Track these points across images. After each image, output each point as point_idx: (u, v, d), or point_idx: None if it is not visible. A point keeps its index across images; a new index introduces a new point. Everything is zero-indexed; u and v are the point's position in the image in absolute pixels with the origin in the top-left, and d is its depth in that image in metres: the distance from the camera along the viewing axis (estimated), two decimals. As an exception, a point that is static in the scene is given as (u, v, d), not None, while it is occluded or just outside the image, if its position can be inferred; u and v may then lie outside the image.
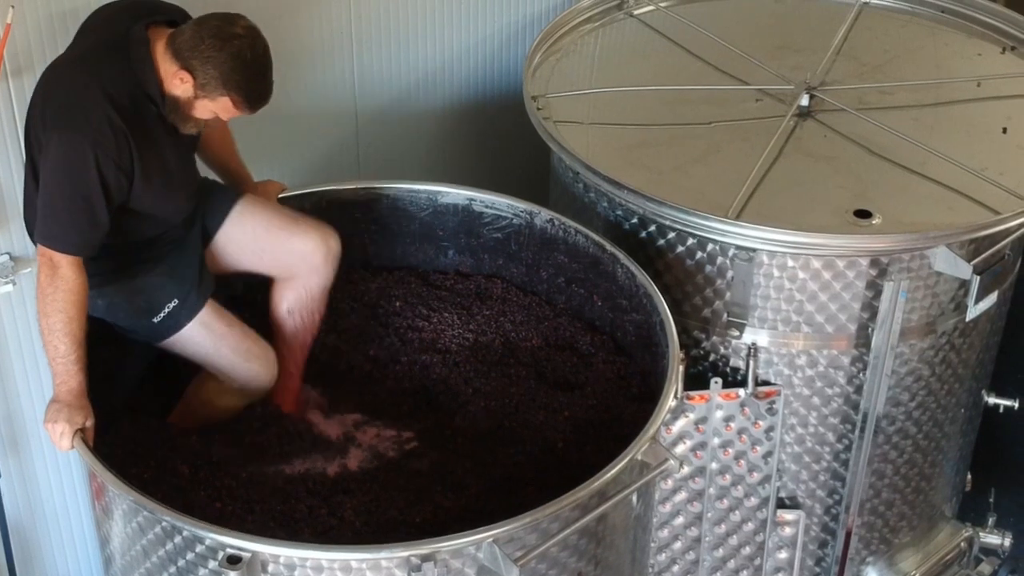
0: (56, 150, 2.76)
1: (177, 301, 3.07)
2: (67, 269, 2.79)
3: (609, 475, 2.76)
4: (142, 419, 3.19)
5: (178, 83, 2.83)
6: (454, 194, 3.65)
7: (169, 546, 2.69)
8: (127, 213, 2.92)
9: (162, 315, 3.06)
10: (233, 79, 2.81)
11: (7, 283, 3.29)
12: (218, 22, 2.82)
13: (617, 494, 2.82)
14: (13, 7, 2.99)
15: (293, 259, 3.26)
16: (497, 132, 4.45)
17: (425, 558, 2.58)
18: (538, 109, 3.74)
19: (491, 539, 2.61)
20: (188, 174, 3.09)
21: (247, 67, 2.82)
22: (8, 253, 3.30)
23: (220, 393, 3.22)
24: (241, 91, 2.83)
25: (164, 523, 2.67)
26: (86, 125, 2.76)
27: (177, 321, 3.08)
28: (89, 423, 2.83)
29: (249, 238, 3.22)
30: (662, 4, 4.38)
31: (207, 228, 3.20)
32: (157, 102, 2.87)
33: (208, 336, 3.12)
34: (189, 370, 3.29)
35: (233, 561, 2.54)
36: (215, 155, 3.32)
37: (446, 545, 2.60)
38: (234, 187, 3.32)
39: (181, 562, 2.68)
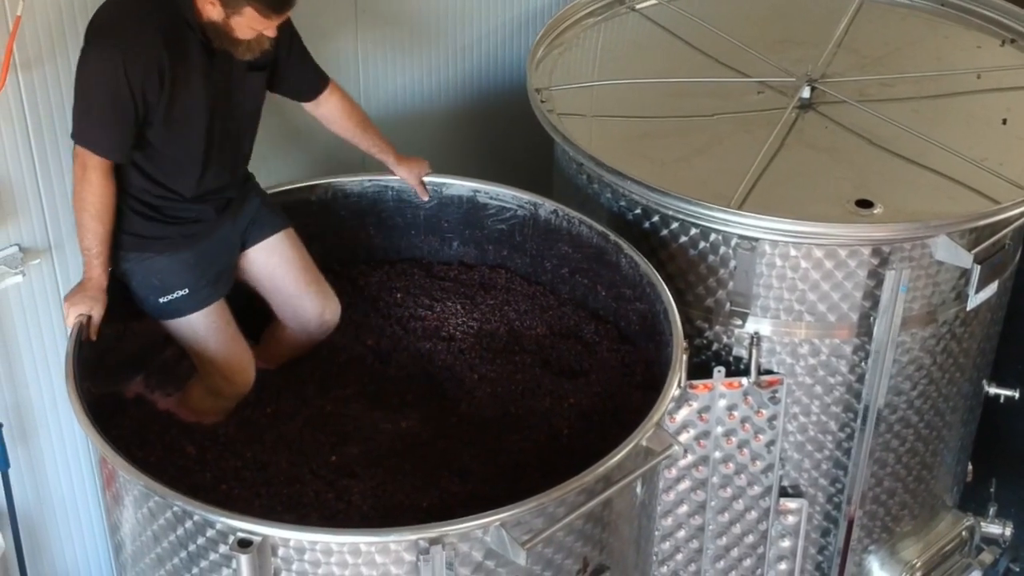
0: (90, 57, 2.90)
1: (188, 291, 3.15)
2: (94, 172, 2.95)
3: (614, 460, 2.78)
4: (148, 401, 3.25)
5: (209, 7, 2.91)
6: (459, 186, 3.68)
7: (180, 531, 2.72)
8: (152, 149, 3.01)
9: (170, 298, 3.14)
10: None
11: (16, 274, 3.31)
12: None
13: (622, 479, 2.84)
14: (23, -1, 3.02)
15: (293, 313, 3.39)
16: (501, 124, 4.47)
17: (433, 541, 2.61)
18: (542, 102, 3.78)
19: (498, 523, 2.63)
20: (220, 116, 3.10)
21: None
22: (17, 244, 3.32)
23: (202, 395, 3.29)
24: None
25: (175, 508, 2.69)
26: (119, 37, 2.88)
27: (180, 309, 3.16)
28: (95, 313, 3.02)
29: (268, 272, 3.34)
30: (664, -2, 4.42)
31: (245, 239, 3.29)
32: (195, 28, 2.94)
33: (202, 332, 3.20)
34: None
35: (244, 545, 2.57)
36: (343, 128, 3.43)
37: (454, 528, 2.62)
38: (379, 159, 3.51)
39: (192, 547, 2.71)
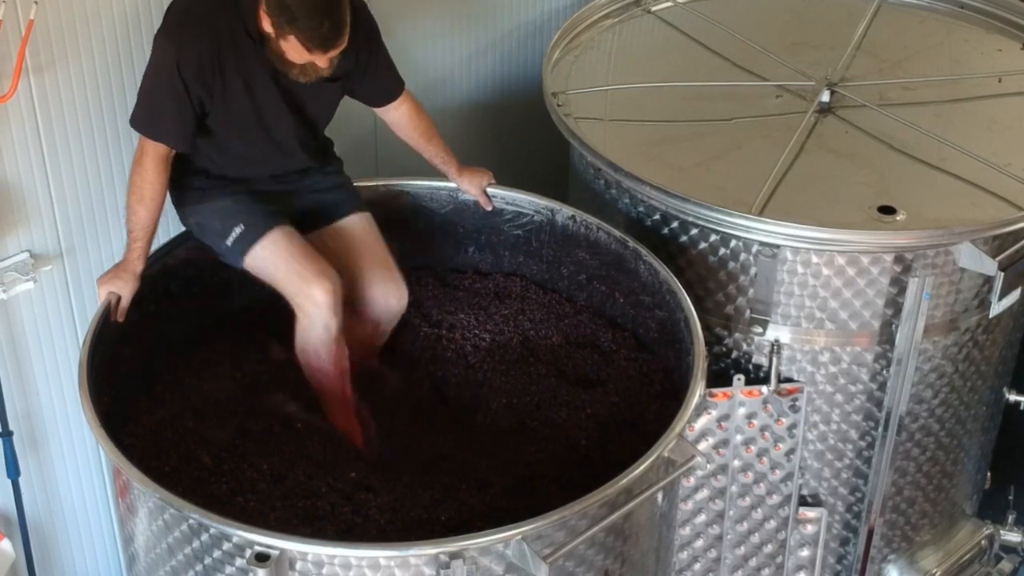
0: (153, 49, 3.02)
1: (243, 227, 3.18)
2: (147, 158, 3.05)
3: (636, 472, 2.75)
4: (163, 410, 3.20)
5: (265, 22, 2.93)
6: (475, 191, 3.64)
7: (195, 544, 2.68)
8: (212, 142, 3.11)
9: (231, 238, 3.19)
10: (294, 18, 2.87)
11: (28, 280, 3.28)
12: None
13: (644, 491, 2.81)
14: (36, 3, 2.97)
15: (360, 295, 3.39)
16: (516, 128, 4.44)
17: (454, 555, 2.57)
18: (558, 105, 3.74)
19: (520, 536, 2.60)
20: (285, 124, 3.16)
21: (305, 5, 2.85)
22: (28, 251, 3.29)
23: (303, 329, 3.24)
24: (302, 31, 2.89)
25: (191, 520, 2.66)
26: (178, 34, 2.98)
27: (242, 246, 3.18)
28: (125, 295, 3.10)
29: (340, 251, 3.35)
30: (679, 0, 4.37)
31: (319, 216, 3.33)
32: (255, 38, 2.97)
33: (269, 259, 3.19)
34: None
35: (261, 559, 2.53)
36: (408, 135, 3.44)
37: (475, 543, 2.59)
38: (441, 170, 3.51)
39: (208, 560, 2.68)
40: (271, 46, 2.97)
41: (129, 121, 3.06)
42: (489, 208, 3.60)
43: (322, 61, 2.96)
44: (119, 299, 3.10)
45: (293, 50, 2.94)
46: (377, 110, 3.40)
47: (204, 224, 3.22)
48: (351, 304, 3.39)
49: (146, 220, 3.09)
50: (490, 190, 3.59)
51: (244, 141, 3.16)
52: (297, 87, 3.08)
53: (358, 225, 3.39)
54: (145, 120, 3.03)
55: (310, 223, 3.35)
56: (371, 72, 3.25)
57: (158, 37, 3.01)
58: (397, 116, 3.40)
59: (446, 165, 3.52)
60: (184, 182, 3.18)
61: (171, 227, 3.51)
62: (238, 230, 3.18)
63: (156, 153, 3.04)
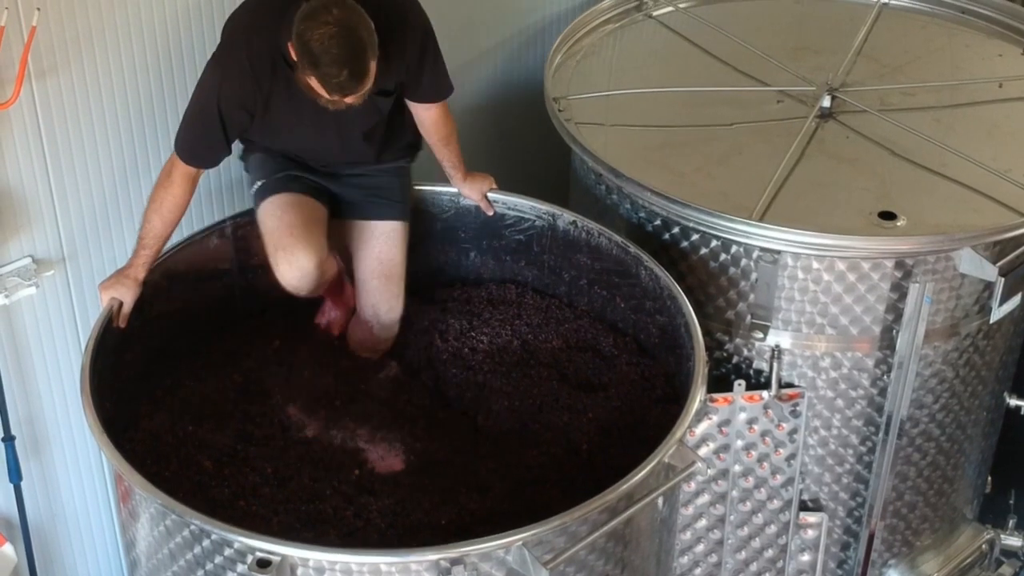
0: (204, 70, 3.12)
1: (263, 181, 3.31)
2: (177, 173, 3.13)
3: (637, 478, 2.75)
4: (164, 414, 3.21)
5: (291, 52, 2.96)
6: (476, 195, 3.64)
7: (197, 549, 2.68)
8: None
9: (254, 188, 3.34)
10: (315, 63, 2.89)
11: (30, 286, 3.28)
12: (322, 1, 2.88)
13: (644, 497, 2.81)
14: (39, 10, 2.98)
15: (358, 297, 3.49)
16: (517, 133, 4.44)
17: (455, 561, 2.57)
18: (559, 111, 3.74)
19: (520, 542, 2.60)
20: (329, 134, 3.24)
21: (327, 53, 2.87)
22: (31, 256, 3.29)
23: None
24: (321, 77, 2.92)
25: (193, 526, 2.66)
26: (223, 62, 3.07)
27: (257, 199, 3.32)
28: (127, 299, 3.14)
29: (355, 250, 3.46)
30: (681, 5, 4.37)
31: (355, 210, 3.42)
32: (291, 64, 3.00)
33: (266, 216, 3.29)
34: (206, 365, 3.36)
35: (263, 565, 2.53)
36: (429, 135, 3.45)
37: (475, 548, 2.59)
38: (448, 174, 3.55)
39: (209, 565, 2.68)
40: (299, 76, 2.99)
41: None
42: (490, 213, 3.61)
43: (352, 99, 2.98)
44: (121, 305, 3.12)
45: (316, 87, 2.96)
46: (410, 104, 3.39)
47: (248, 167, 3.38)
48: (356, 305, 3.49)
49: (159, 231, 3.15)
50: (491, 195, 3.59)
51: (288, 143, 3.29)
52: (346, 108, 3.09)
53: (380, 232, 3.43)
54: (181, 141, 3.12)
55: (344, 210, 3.43)
56: (421, 76, 3.27)
57: (210, 61, 3.10)
58: (426, 115, 3.39)
59: (453, 170, 3.54)
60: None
61: (173, 233, 3.52)
62: (260, 183, 3.31)
63: (186, 171, 3.13)
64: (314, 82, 2.94)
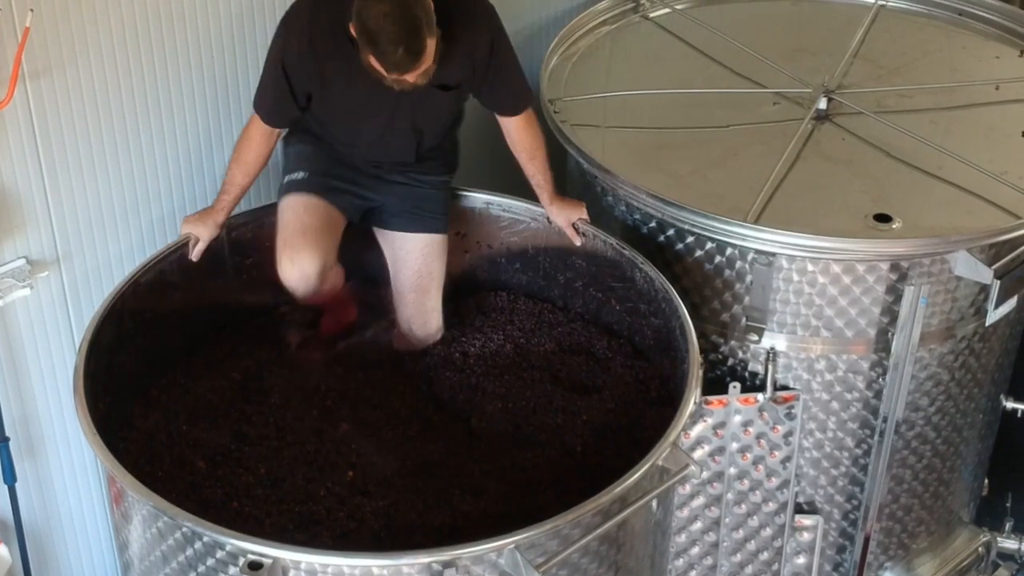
0: (275, 32, 3.24)
1: (291, 176, 3.37)
2: (253, 128, 3.29)
3: (630, 481, 2.75)
4: (158, 414, 3.22)
5: (352, 29, 2.99)
6: (472, 197, 3.64)
7: (189, 551, 2.68)
8: (315, 118, 3.32)
9: (288, 178, 3.39)
10: (372, 40, 2.93)
11: (24, 287, 3.28)
12: None
13: (638, 500, 2.81)
14: (32, 11, 2.98)
15: (395, 309, 3.52)
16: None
17: (447, 564, 2.57)
18: (555, 112, 3.74)
19: (513, 545, 2.59)
20: (379, 123, 3.27)
21: (383, 31, 2.91)
22: (25, 257, 3.28)
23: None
24: (378, 55, 2.96)
25: (184, 528, 2.66)
26: (289, 26, 3.18)
27: (286, 189, 3.38)
28: (203, 236, 3.32)
29: (392, 262, 3.47)
30: (677, 7, 4.37)
31: (394, 221, 3.44)
32: (354, 42, 3.02)
33: (281, 215, 3.35)
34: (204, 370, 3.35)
35: (255, 567, 2.53)
36: (512, 146, 3.45)
37: (468, 552, 2.58)
38: (534, 191, 3.49)
39: (201, 568, 2.67)
40: (362, 56, 3.02)
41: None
42: (577, 243, 3.48)
43: (412, 77, 3.00)
44: (197, 241, 3.31)
45: (377, 67, 3.00)
46: (495, 114, 3.41)
47: (287, 154, 3.42)
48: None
49: (238, 181, 3.31)
50: (485, 196, 3.59)
51: (342, 127, 3.32)
52: (405, 97, 3.13)
53: (420, 245, 3.43)
54: (258, 99, 3.27)
55: (385, 220, 3.46)
56: (491, 82, 3.28)
57: (279, 22, 3.21)
58: (509, 126, 3.41)
59: (540, 189, 3.47)
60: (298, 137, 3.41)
61: (168, 234, 3.52)
62: (295, 175, 3.36)
63: (263, 128, 3.27)
64: (373, 61, 2.97)
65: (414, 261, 3.45)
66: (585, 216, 3.47)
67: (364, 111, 3.25)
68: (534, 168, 3.44)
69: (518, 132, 3.40)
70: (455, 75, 3.21)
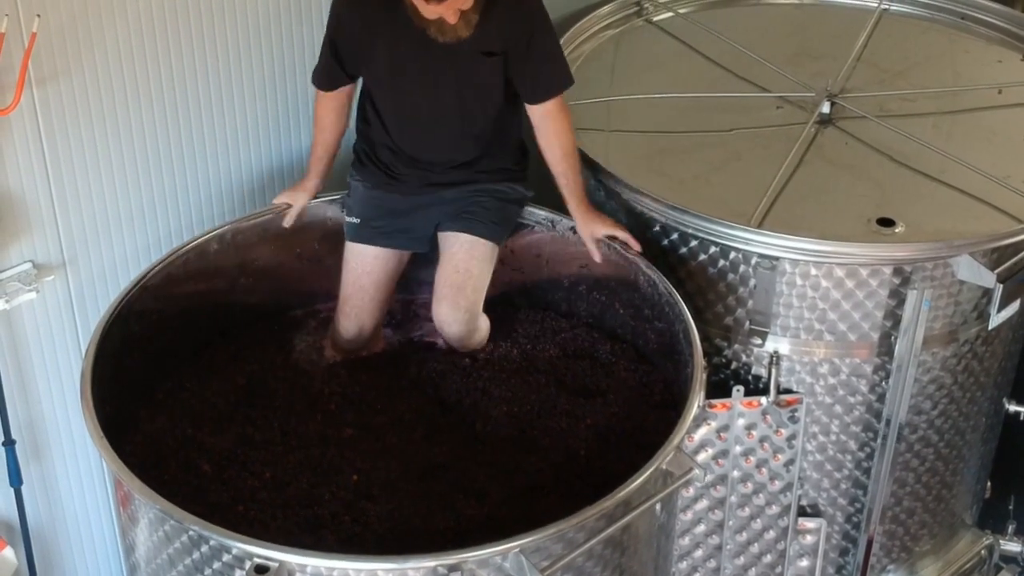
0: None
1: (358, 220, 3.46)
2: (320, 97, 3.41)
3: (635, 485, 2.76)
4: (164, 417, 3.23)
5: None
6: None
7: (196, 555, 2.69)
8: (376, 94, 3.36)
9: (348, 220, 3.48)
10: None
11: (30, 291, 3.29)
12: None
13: (642, 503, 2.82)
14: (39, 16, 2.99)
15: (432, 306, 3.47)
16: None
17: (452, 568, 2.58)
18: (559, 116, 3.74)
19: (517, 549, 2.60)
20: (431, 98, 3.27)
21: None
22: (31, 261, 3.30)
23: (333, 327, 3.56)
24: None
25: (191, 532, 2.67)
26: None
27: (347, 233, 3.49)
28: (297, 203, 3.47)
29: (443, 260, 3.43)
30: (681, 11, 4.38)
31: (442, 221, 3.44)
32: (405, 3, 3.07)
33: (348, 270, 3.48)
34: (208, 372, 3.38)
35: (261, 571, 2.54)
36: (540, 143, 3.39)
37: (473, 555, 2.60)
38: (562, 196, 3.42)
39: (208, 571, 2.69)
40: (410, 3, 3.05)
41: None
42: (598, 260, 3.42)
43: (451, 16, 3.01)
44: (289, 207, 3.45)
45: (417, 4, 3.02)
46: (527, 108, 3.33)
47: (350, 194, 3.49)
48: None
49: (323, 144, 3.43)
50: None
51: (391, 96, 3.32)
52: (449, 59, 3.16)
53: (464, 241, 3.38)
54: (316, 66, 3.37)
55: (437, 227, 3.47)
56: (526, 57, 3.21)
57: None
58: (538, 119, 3.32)
59: (570, 196, 3.38)
60: (355, 142, 3.49)
61: (173, 238, 3.54)
62: (355, 220, 3.45)
63: (320, 95, 3.38)
64: None
65: (454, 255, 3.37)
66: (617, 234, 3.37)
67: (410, 78, 3.22)
68: (562, 174, 3.35)
69: (554, 122, 3.29)
70: (497, 42, 3.15)
